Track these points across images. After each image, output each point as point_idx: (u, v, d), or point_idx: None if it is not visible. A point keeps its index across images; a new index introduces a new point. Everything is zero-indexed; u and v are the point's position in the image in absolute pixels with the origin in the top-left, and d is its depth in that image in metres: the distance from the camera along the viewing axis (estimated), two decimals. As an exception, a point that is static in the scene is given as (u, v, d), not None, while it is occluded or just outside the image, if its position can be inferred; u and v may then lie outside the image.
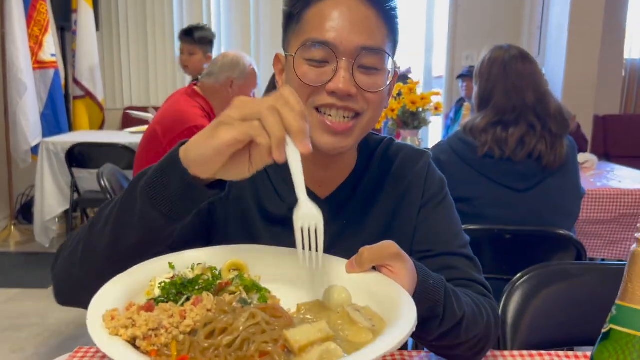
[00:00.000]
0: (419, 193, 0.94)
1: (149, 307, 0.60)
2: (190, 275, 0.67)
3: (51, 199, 3.74)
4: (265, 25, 5.18)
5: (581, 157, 2.78)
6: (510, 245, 1.75)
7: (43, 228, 3.78)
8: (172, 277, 0.66)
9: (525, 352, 0.91)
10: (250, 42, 5.20)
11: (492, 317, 0.86)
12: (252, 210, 0.91)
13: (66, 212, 3.81)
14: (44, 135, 4.02)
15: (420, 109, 2.63)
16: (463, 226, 1.74)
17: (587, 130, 4.17)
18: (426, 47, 5.54)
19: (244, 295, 0.65)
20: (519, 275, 1.20)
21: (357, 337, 0.61)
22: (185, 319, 0.58)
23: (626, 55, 5.31)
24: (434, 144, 2.00)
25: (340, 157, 0.90)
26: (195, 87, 2.44)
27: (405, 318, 0.61)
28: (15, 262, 3.91)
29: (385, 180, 0.95)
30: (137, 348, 0.56)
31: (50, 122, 4.20)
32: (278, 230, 0.89)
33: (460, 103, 4.35)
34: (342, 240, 0.90)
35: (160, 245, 0.72)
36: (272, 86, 2.12)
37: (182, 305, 0.61)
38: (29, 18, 4.00)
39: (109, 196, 2.33)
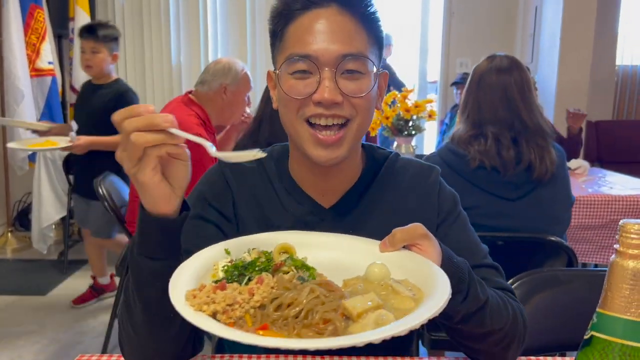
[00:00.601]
0: (434, 210, 0.97)
1: (222, 287, 0.67)
2: (249, 259, 0.75)
3: (48, 206, 3.76)
4: (262, 36, 5.21)
5: (573, 163, 2.83)
6: (503, 252, 1.77)
7: (40, 235, 3.80)
8: (230, 261, 0.74)
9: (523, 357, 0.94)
10: (247, 53, 5.23)
11: (519, 314, 0.90)
12: (257, 222, 0.94)
13: (63, 218, 3.82)
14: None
15: (415, 117, 2.66)
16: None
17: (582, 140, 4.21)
18: (421, 53, 5.58)
19: (300, 273, 0.72)
20: (510, 281, 1.23)
21: (402, 304, 0.68)
22: (253, 295, 0.66)
23: (618, 62, 5.37)
24: (428, 151, 2.03)
25: (340, 166, 0.92)
26: (190, 96, 2.44)
27: (441, 286, 0.68)
28: (13, 269, 3.92)
29: (394, 193, 0.97)
30: (217, 321, 0.64)
31: (47, 129, 4.21)
32: None
33: (454, 109, 4.39)
34: None
35: None
36: (266, 97, 2.12)
37: (247, 284, 0.69)
38: (26, 26, 4.02)
39: (106, 204, 2.35)
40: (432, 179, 0.99)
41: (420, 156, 3.31)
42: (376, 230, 0.93)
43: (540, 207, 1.79)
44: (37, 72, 4.12)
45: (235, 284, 0.69)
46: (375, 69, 0.88)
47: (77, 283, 3.60)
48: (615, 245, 0.59)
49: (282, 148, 1.00)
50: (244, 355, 0.91)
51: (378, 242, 0.81)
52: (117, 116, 0.67)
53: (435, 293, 0.67)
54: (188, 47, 5.13)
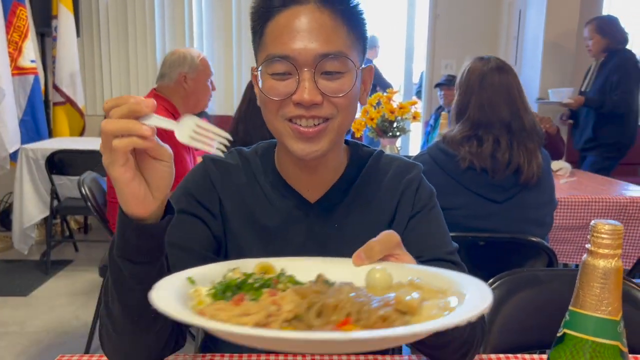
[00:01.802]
0: (410, 203, 0.97)
1: (240, 299, 0.60)
2: (235, 277, 0.67)
3: (30, 206, 3.71)
4: (247, 34, 5.20)
5: (555, 164, 2.86)
6: (485, 252, 1.81)
7: (22, 235, 3.74)
8: (211, 288, 0.65)
9: (493, 356, 0.95)
10: (232, 51, 5.22)
11: (477, 320, 0.86)
12: (243, 217, 0.94)
13: (45, 219, 3.78)
14: (23, 141, 3.99)
15: (399, 118, 2.68)
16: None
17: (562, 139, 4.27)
18: (406, 55, 5.62)
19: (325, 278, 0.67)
20: (490, 281, 1.24)
21: (436, 297, 0.62)
22: (280, 307, 0.58)
23: (600, 65, 5.45)
24: (413, 152, 2.03)
25: (324, 161, 0.93)
26: (156, 92, 2.45)
27: (464, 278, 0.65)
28: (-7, 269, 3.86)
29: (378, 189, 0.98)
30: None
31: (29, 128, 4.17)
32: (268, 234, 0.93)
33: (439, 111, 4.43)
34: (331, 242, 0.93)
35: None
36: (247, 98, 2.13)
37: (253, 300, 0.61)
38: (8, 24, 3.97)
39: (89, 203, 2.33)
40: (413, 175, 0.99)
41: (407, 157, 3.33)
42: (361, 224, 0.95)
43: (524, 210, 1.81)
44: (19, 71, 4.07)
45: (252, 302, 0.60)
46: (356, 66, 0.87)
47: (60, 284, 3.56)
48: (586, 245, 0.60)
49: (268, 144, 1.01)
50: (234, 354, 0.91)
51: (348, 259, 0.73)
52: (106, 104, 0.67)
53: (462, 281, 0.64)
54: (173, 45, 5.11)
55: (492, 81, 1.78)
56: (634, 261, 2.24)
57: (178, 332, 0.83)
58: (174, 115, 2.38)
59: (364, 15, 0.90)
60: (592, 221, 0.60)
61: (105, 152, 0.66)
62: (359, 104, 0.93)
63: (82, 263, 3.97)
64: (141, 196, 0.68)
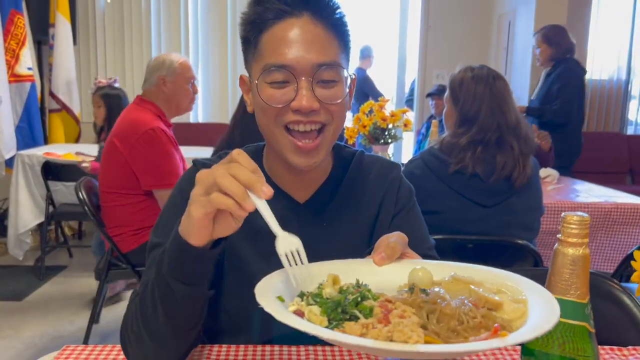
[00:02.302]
0: (393, 202, 1.03)
1: (387, 319, 0.62)
2: (334, 293, 0.69)
3: (26, 212, 3.74)
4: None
5: (543, 171, 2.93)
6: (472, 255, 1.86)
7: (17, 241, 3.76)
8: (318, 304, 0.67)
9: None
10: (227, 57, 5.29)
11: None
12: (245, 233, 0.96)
13: (40, 224, 3.81)
14: (19, 148, 4.02)
15: (391, 125, 2.74)
16: (431, 236, 1.83)
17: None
18: (399, 66, 5.71)
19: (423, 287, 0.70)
20: (477, 280, 1.29)
21: (488, 290, 0.69)
22: (404, 319, 0.61)
23: (587, 76, 5.56)
24: (405, 159, 2.06)
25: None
26: (141, 96, 2.53)
27: (531, 284, 0.71)
28: (-12, 275, 3.87)
29: (364, 188, 1.03)
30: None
31: (25, 135, 4.20)
32: (259, 234, 0.93)
33: (431, 119, 4.51)
34: (322, 242, 0.97)
35: (205, 294, 0.80)
36: (244, 104, 2.18)
37: (356, 319, 0.63)
38: (5, 32, 4.01)
39: (86, 208, 2.37)
40: (394, 174, 1.06)
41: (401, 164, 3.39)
42: (349, 223, 1.01)
43: (512, 215, 1.85)
44: (16, 78, 4.11)
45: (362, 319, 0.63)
46: (347, 75, 0.92)
47: (54, 289, 3.58)
48: (558, 235, 0.66)
49: (255, 148, 1.06)
50: (240, 345, 0.94)
51: (367, 260, 0.80)
52: (238, 155, 0.69)
53: (499, 275, 0.72)
54: (169, 52, 5.16)
55: (499, 88, 1.83)
56: (618, 264, 2.30)
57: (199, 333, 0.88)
58: (161, 117, 2.46)
59: (348, 26, 0.95)
60: (563, 213, 0.66)
61: (201, 193, 0.68)
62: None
63: (76, 269, 3.99)
64: (205, 234, 0.71)
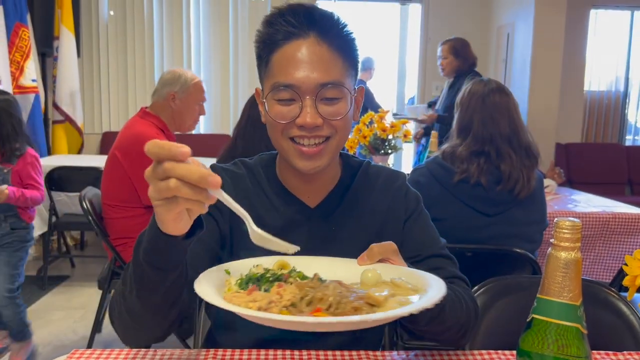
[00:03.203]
0: (402, 208, 1.09)
1: (253, 290, 0.77)
2: (258, 272, 0.84)
3: (29, 222, 3.76)
4: (244, 52, 5.33)
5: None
6: (471, 263, 1.87)
7: (19, 251, 3.78)
8: (239, 279, 0.83)
9: (475, 352, 1.03)
10: (229, 69, 5.34)
11: (470, 305, 1.01)
12: (252, 220, 1.01)
13: (42, 234, 3.83)
14: (23, 158, 4.05)
15: (391, 136, 2.78)
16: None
17: (550, 158, 4.39)
18: (399, 77, 5.76)
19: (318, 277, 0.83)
20: (476, 287, 1.30)
21: (407, 294, 0.78)
22: (282, 297, 0.75)
23: (586, 87, 5.61)
24: (405, 170, 2.09)
25: (321, 172, 1.03)
26: (145, 109, 2.54)
27: (434, 280, 0.80)
28: (-10, 285, 3.88)
29: (371, 194, 1.09)
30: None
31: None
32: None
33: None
34: (331, 244, 1.03)
35: (180, 279, 0.83)
36: (246, 115, 2.19)
37: (267, 291, 0.78)
38: (10, 44, 4.07)
39: (90, 218, 2.39)
40: (399, 183, 1.12)
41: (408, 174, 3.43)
42: (357, 227, 1.06)
43: (514, 225, 1.87)
44: (20, 90, 4.16)
45: (261, 293, 0.78)
46: (351, 92, 0.98)
47: (56, 299, 3.60)
48: (551, 240, 0.69)
49: (269, 156, 1.12)
50: (235, 350, 0.96)
51: (352, 259, 0.91)
52: (154, 148, 0.66)
53: (432, 283, 0.79)
54: (171, 66, 5.22)
55: (492, 99, 1.88)
56: (615, 273, 2.32)
57: (184, 316, 0.91)
58: (164, 130, 2.48)
59: (356, 42, 1.01)
60: (556, 219, 0.69)
61: (159, 199, 0.67)
62: (352, 122, 1.05)
63: (79, 279, 4.01)
64: (180, 225, 0.73)
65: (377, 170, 1.13)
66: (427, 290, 0.78)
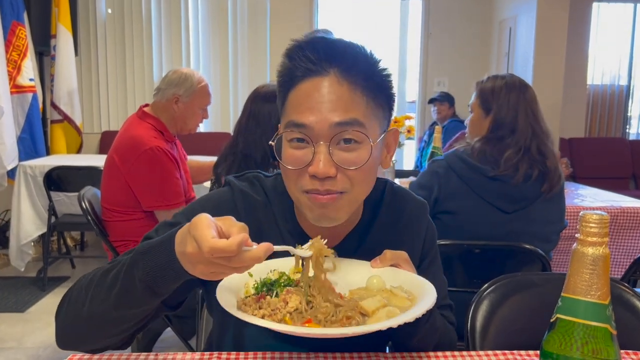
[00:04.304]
0: (420, 241, 1.04)
1: (262, 297, 0.82)
2: (273, 277, 0.87)
3: (28, 223, 3.72)
4: (243, 52, 5.29)
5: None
6: (480, 259, 1.84)
7: (19, 252, 3.75)
8: (255, 281, 0.88)
9: (490, 352, 0.99)
10: (228, 67, 5.30)
11: (454, 335, 1.08)
12: None
13: (42, 235, 3.79)
14: (21, 159, 4.01)
15: (394, 132, 2.73)
16: (439, 240, 1.83)
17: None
18: (400, 74, 5.71)
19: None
20: (486, 285, 1.27)
21: (401, 303, 0.83)
22: (287, 303, 0.80)
23: (589, 81, 5.57)
24: (407, 166, 2.05)
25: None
26: (144, 109, 2.44)
27: (429, 289, 0.84)
28: (-10, 286, 3.85)
29: (394, 231, 1.01)
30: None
31: (27, 146, 4.19)
32: None
33: (433, 127, 4.50)
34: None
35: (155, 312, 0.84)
36: (249, 109, 2.12)
37: (277, 296, 0.82)
38: (7, 43, 4.02)
39: (89, 218, 2.35)
40: (424, 217, 1.06)
41: (400, 172, 3.38)
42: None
43: (530, 222, 1.83)
44: (17, 89, 4.11)
45: (269, 299, 0.82)
46: (373, 138, 0.86)
47: (56, 300, 3.53)
48: (576, 235, 0.64)
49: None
50: (240, 353, 0.93)
51: (367, 262, 0.93)
52: (218, 260, 0.67)
53: (426, 294, 0.83)
54: (170, 64, 5.18)
55: (531, 94, 1.85)
56: (625, 268, 2.28)
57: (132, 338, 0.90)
58: (163, 132, 2.37)
59: (390, 80, 0.90)
60: (581, 212, 0.64)
61: (214, 275, 0.71)
62: (377, 171, 0.93)
63: (79, 280, 3.97)
64: None
65: (400, 198, 1.04)
66: (422, 299, 0.83)
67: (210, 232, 0.66)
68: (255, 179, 1.01)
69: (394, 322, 0.74)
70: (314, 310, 0.79)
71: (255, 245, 0.69)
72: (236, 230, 0.69)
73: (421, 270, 1.01)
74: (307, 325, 0.77)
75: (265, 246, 0.69)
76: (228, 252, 0.65)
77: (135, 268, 0.76)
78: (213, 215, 0.81)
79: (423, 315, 0.78)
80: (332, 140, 0.83)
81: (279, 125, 0.93)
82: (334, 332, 0.74)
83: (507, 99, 1.83)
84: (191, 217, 0.82)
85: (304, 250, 0.83)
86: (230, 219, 0.71)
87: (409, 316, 0.75)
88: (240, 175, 1.02)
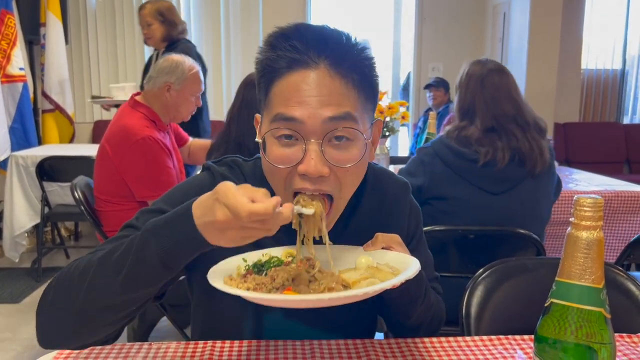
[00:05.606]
0: (405, 221, 1.03)
1: (249, 273, 0.82)
2: (264, 259, 0.88)
3: (21, 214, 3.70)
4: (236, 39, 5.24)
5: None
6: (474, 245, 1.84)
7: (13, 243, 3.73)
8: (246, 265, 0.88)
9: (485, 337, 0.99)
10: (221, 55, 5.25)
11: (443, 306, 1.10)
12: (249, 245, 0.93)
13: (36, 226, 3.77)
14: (13, 149, 3.98)
15: (388, 118, 2.72)
16: (434, 226, 1.82)
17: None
18: (394, 60, 5.68)
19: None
20: (481, 270, 1.27)
21: (385, 277, 0.82)
22: (274, 280, 0.79)
23: (583, 66, 5.56)
24: (402, 152, 2.06)
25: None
26: (136, 98, 2.41)
27: (413, 263, 0.83)
28: (-16, 278, 3.84)
29: (378, 214, 1.00)
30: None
31: (19, 136, 4.16)
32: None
33: (427, 113, 4.49)
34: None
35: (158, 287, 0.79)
36: (241, 95, 2.10)
37: (266, 275, 0.83)
38: (-4, 32, 3.98)
39: (82, 208, 2.34)
40: (406, 197, 1.05)
41: (395, 158, 3.37)
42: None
43: (521, 201, 1.85)
44: (7, 79, 4.06)
45: (256, 276, 0.82)
46: (365, 134, 0.83)
47: (52, 291, 3.55)
48: (570, 219, 0.64)
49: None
50: (226, 341, 0.94)
51: (359, 247, 0.92)
52: (254, 224, 0.67)
53: (409, 267, 0.81)
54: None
55: (491, 80, 1.86)
56: (619, 252, 2.28)
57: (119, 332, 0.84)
58: (155, 122, 2.35)
59: (375, 67, 0.86)
60: (575, 196, 0.63)
61: (242, 239, 0.70)
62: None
63: (74, 270, 3.96)
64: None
65: (383, 180, 1.03)
66: (405, 271, 0.83)
67: (244, 198, 0.65)
68: (233, 163, 0.98)
69: (372, 289, 0.71)
70: (296, 282, 0.79)
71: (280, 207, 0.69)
72: (261, 195, 0.67)
73: (411, 249, 0.98)
74: (285, 293, 0.77)
75: (290, 205, 0.69)
76: (266, 214, 0.65)
77: (147, 247, 0.71)
78: (192, 193, 0.81)
79: (419, 293, 0.85)
80: (325, 138, 0.79)
81: (261, 119, 0.88)
82: (311, 298, 0.72)
83: (466, 86, 1.90)
84: (172, 204, 0.81)
85: (307, 209, 0.81)
86: (248, 186, 0.69)
87: (388, 284, 0.73)
88: (218, 160, 0.99)
